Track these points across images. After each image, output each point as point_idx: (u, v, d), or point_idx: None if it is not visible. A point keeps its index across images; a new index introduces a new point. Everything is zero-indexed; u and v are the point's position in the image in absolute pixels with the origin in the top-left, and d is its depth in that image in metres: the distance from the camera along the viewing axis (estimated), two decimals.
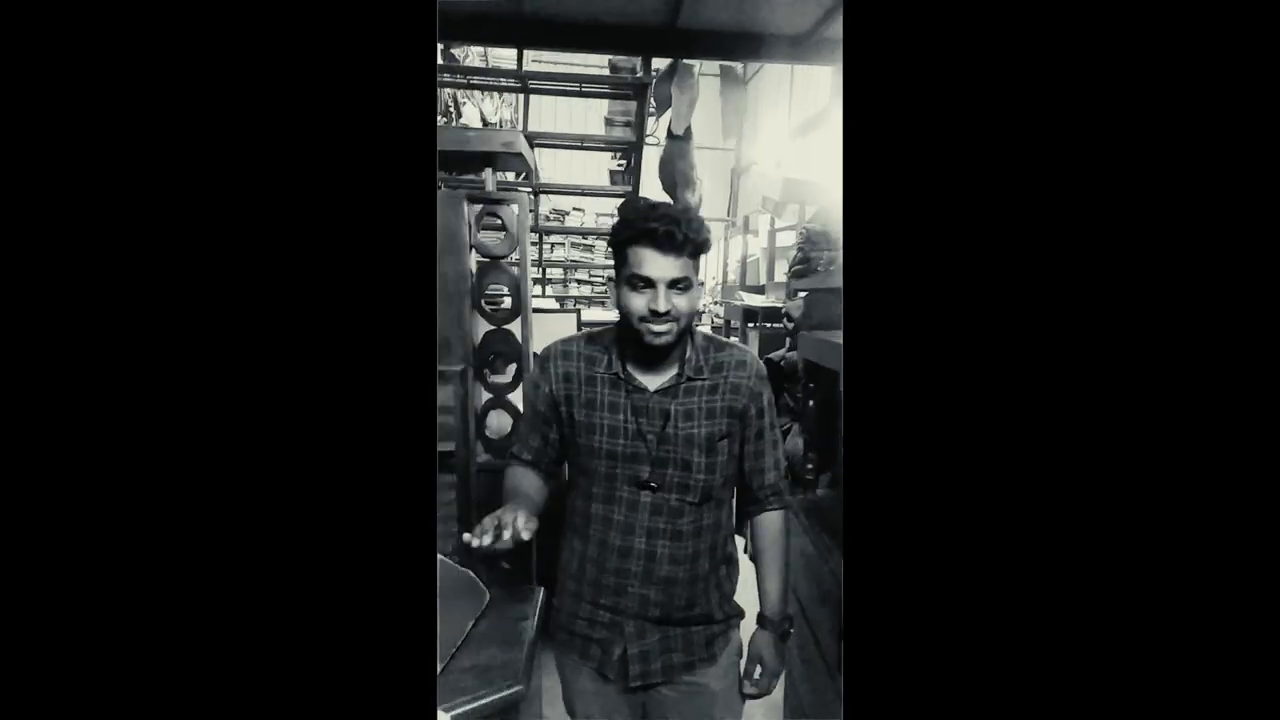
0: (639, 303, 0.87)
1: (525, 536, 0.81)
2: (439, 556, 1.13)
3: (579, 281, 5.89)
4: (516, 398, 1.50)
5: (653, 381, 0.93)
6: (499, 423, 1.54)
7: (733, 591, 1.04)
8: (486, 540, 0.78)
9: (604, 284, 3.56)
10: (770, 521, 1.02)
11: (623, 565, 0.94)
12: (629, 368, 0.94)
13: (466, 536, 0.79)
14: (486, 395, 1.49)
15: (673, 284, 0.86)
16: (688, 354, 0.94)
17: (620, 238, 0.88)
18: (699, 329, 0.99)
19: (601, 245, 4.72)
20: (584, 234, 4.69)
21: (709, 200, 4.81)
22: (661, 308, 0.86)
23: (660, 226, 0.84)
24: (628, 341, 0.93)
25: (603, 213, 4.91)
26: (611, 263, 0.94)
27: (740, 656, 1.03)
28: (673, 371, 0.94)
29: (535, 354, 1.36)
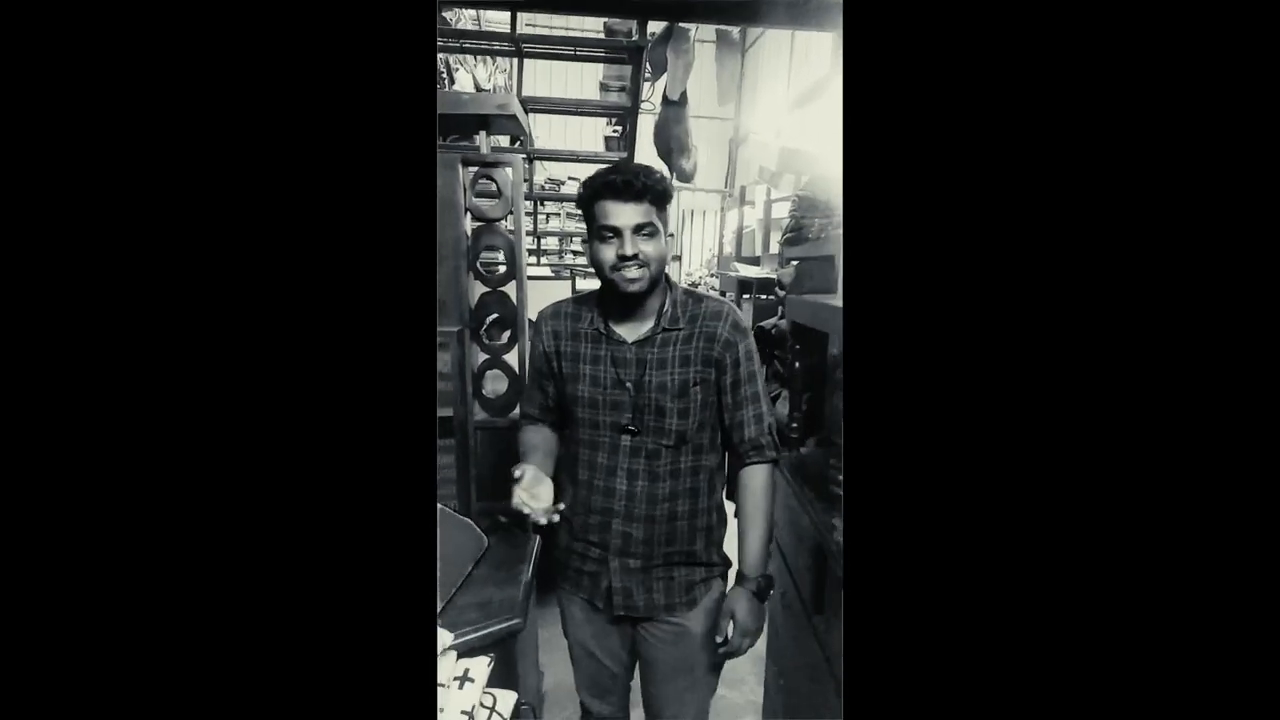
0: (608, 253, 0.93)
1: (543, 521, 0.89)
2: (439, 506, 1.18)
3: (574, 252, 5.87)
4: (512, 359, 1.54)
5: (631, 333, 0.99)
6: (494, 384, 1.58)
7: (720, 540, 1.08)
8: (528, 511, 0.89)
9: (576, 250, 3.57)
10: (751, 476, 1.03)
11: (606, 504, 1.00)
12: (610, 323, 1.00)
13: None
14: (483, 356, 1.52)
15: (637, 229, 0.91)
16: (665, 306, 0.99)
17: (584, 197, 0.95)
18: (681, 286, 1.05)
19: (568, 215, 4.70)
20: (578, 202, 4.66)
21: (707, 171, 4.78)
22: (628, 251, 0.91)
23: (618, 178, 0.90)
24: (609, 298, 0.99)
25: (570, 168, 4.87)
26: None
27: (720, 599, 1.05)
28: (651, 323, 0.99)
29: (530, 320, 1.39)
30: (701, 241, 8.47)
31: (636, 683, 1.14)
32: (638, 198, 0.91)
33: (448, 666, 0.77)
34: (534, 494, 0.89)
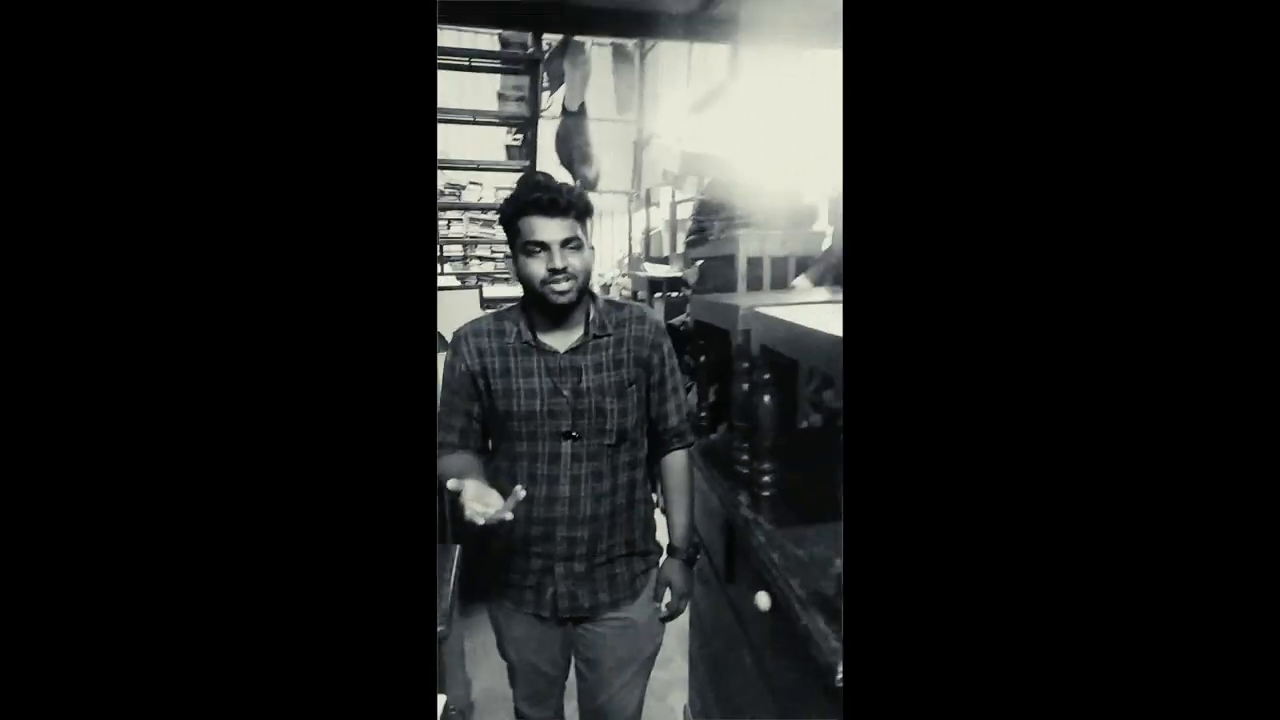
0: (537, 266, 0.96)
1: (507, 517, 0.87)
2: None
3: (480, 258, 5.78)
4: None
5: (562, 343, 1.02)
6: None
7: (654, 526, 1.15)
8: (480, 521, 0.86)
9: (505, 259, 3.58)
10: (675, 460, 1.14)
11: (549, 514, 1.02)
12: (538, 335, 1.02)
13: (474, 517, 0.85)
14: None
15: (564, 243, 0.95)
16: (591, 315, 1.04)
17: (508, 213, 0.97)
18: (600, 295, 1.10)
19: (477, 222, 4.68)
20: (484, 209, 4.61)
21: (612, 174, 4.87)
22: (558, 264, 0.95)
23: (544, 195, 0.94)
24: (533, 310, 1.02)
25: (502, 186, 4.85)
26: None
27: (653, 589, 1.13)
28: (579, 332, 1.03)
29: (442, 337, 1.40)
30: (612, 242, 8.56)
31: (570, 680, 1.18)
32: (564, 213, 0.95)
33: None
34: (485, 501, 0.88)
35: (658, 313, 2.87)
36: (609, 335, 1.04)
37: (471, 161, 2.72)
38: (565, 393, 1.01)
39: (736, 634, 1.12)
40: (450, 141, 2.74)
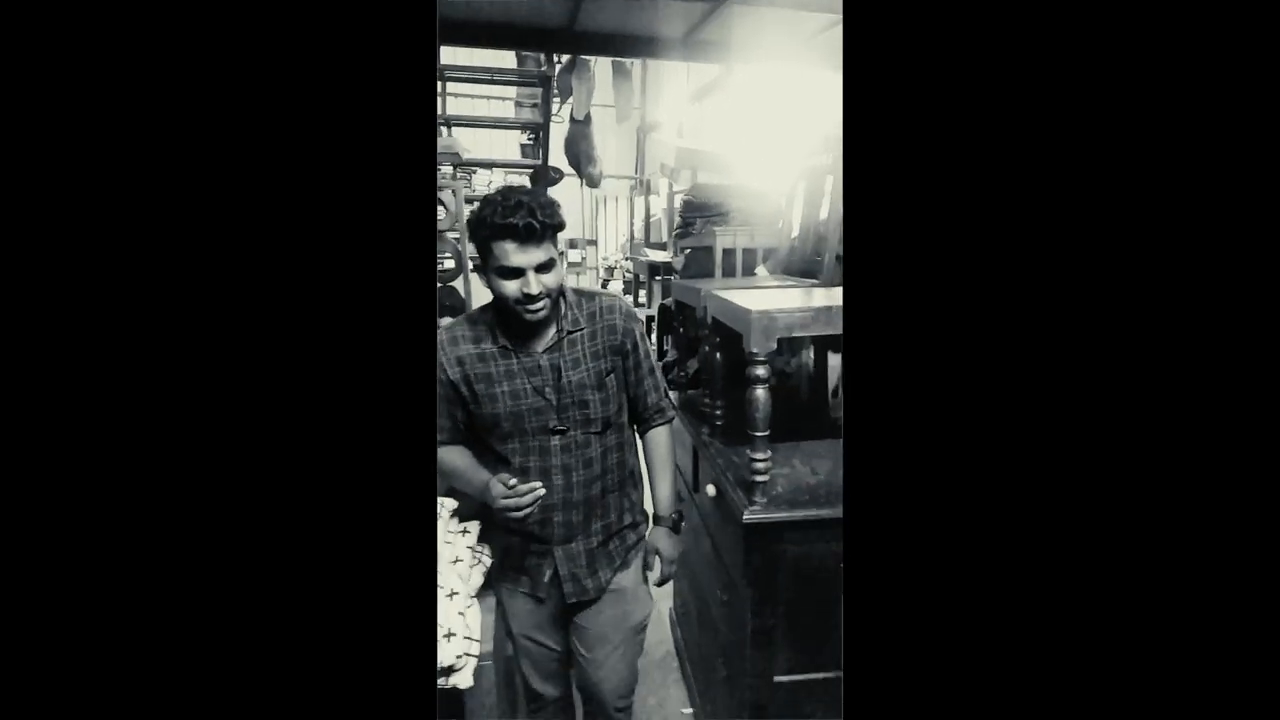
0: (511, 288, 0.95)
1: (542, 491, 0.95)
2: None
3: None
4: None
5: (537, 344, 1.04)
6: None
7: (641, 500, 1.21)
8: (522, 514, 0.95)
9: None
10: (657, 435, 1.19)
11: (545, 501, 1.01)
12: (513, 339, 1.03)
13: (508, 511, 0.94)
14: None
15: (539, 268, 0.94)
16: (563, 312, 1.04)
17: (481, 235, 0.94)
18: (569, 288, 1.09)
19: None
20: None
21: (618, 159, 5.17)
22: (534, 290, 0.94)
23: (519, 221, 0.90)
24: (507, 317, 1.01)
25: (511, 171, 5.21)
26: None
27: (643, 558, 1.20)
28: (552, 331, 1.04)
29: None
30: (616, 226, 8.90)
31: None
32: (538, 240, 0.92)
33: (446, 523, 1.20)
34: (518, 494, 0.94)
35: (656, 295, 3.25)
36: (582, 329, 1.05)
37: (491, 160, 3.10)
38: (547, 392, 1.03)
39: (700, 528, 1.54)
40: (472, 139, 3.11)
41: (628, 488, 1.17)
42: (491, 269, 0.96)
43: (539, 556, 1.10)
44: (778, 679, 1.17)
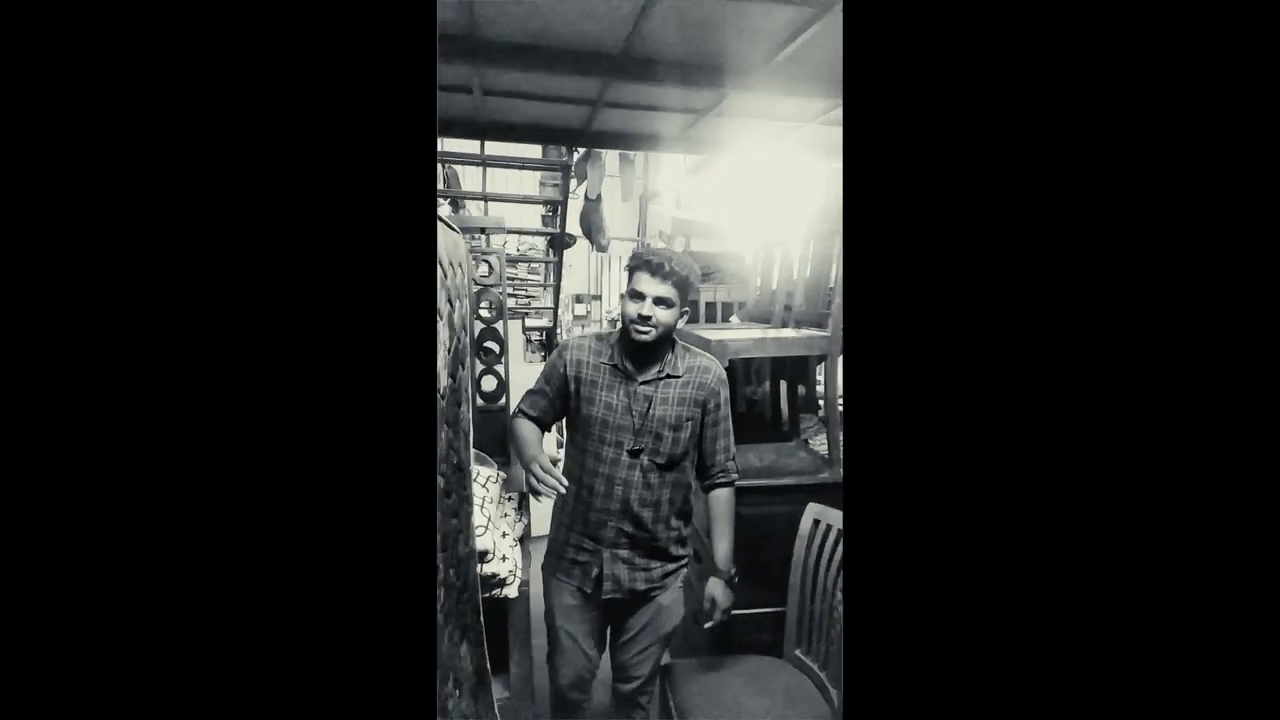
0: (632, 309, 1.19)
1: (562, 491, 1.13)
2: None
3: (513, 295, 6.72)
4: (500, 369, 2.44)
5: (642, 374, 1.24)
6: (487, 385, 2.48)
7: (685, 538, 1.35)
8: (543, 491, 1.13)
9: (527, 297, 4.48)
10: (721, 495, 1.33)
11: (605, 506, 1.23)
12: (625, 362, 1.24)
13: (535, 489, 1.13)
14: (481, 366, 2.43)
15: (657, 300, 1.17)
16: (667, 357, 1.25)
17: (629, 265, 1.24)
18: (680, 344, 1.31)
19: (524, 265, 5.70)
20: (512, 260, 5.63)
21: (623, 223, 5.84)
22: (645, 313, 1.17)
23: (655, 259, 1.19)
24: (625, 341, 1.23)
25: (524, 239, 5.88)
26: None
27: (684, 584, 1.37)
28: (656, 368, 1.24)
29: (526, 341, 2.27)
30: (620, 280, 9.57)
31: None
32: (664, 277, 1.16)
33: (501, 489, 1.65)
34: (547, 483, 1.12)
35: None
36: (679, 377, 1.24)
37: (521, 229, 3.73)
38: (635, 413, 1.21)
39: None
40: (504, 212, 3.73)
41: (675, 522, 1.29)
42: (626, 293, 1.21)
43: (590, 555, 1.27)
44: (735, 612, 1.60)
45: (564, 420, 1.36)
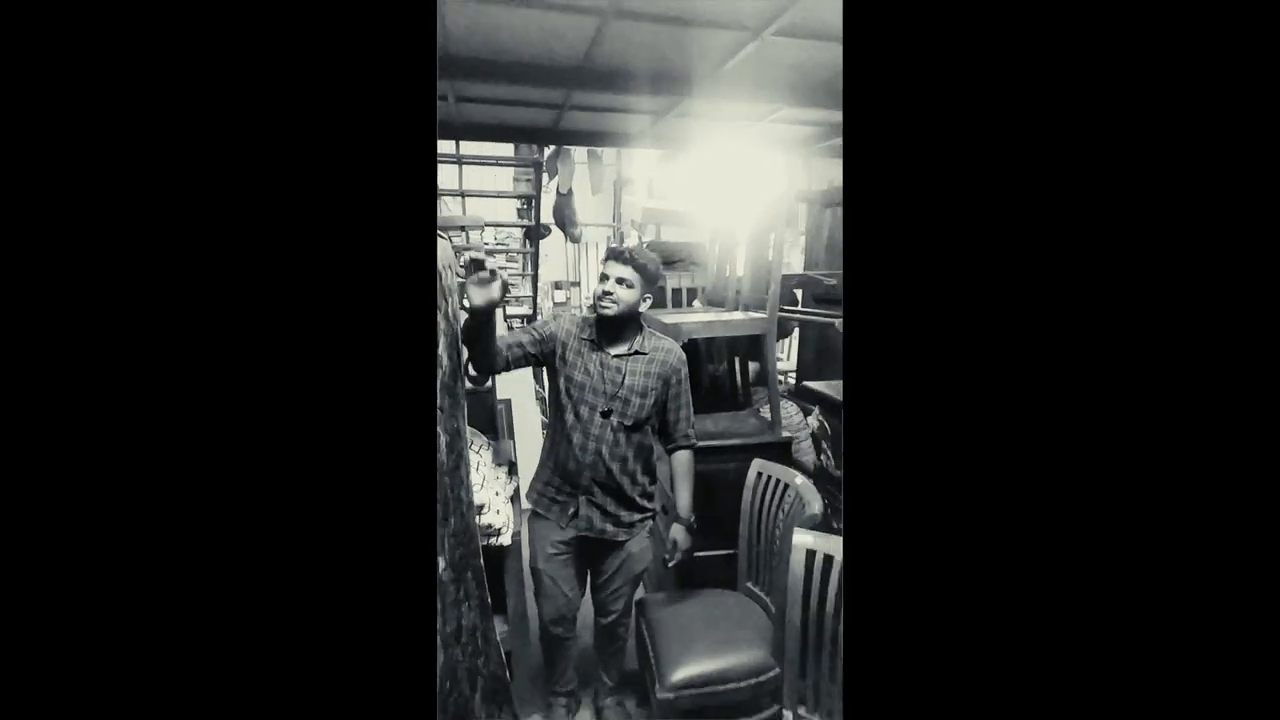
0: (599, 288, 1.45)
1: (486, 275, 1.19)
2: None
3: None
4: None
5: (614, 350, 1.48)
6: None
7: (651, 494, 1.58)
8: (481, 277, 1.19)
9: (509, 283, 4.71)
10: (682, 455, 1.60)
11: (580, 458, 1.47)
12: (600, 338, 1.49)
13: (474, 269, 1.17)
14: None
15: (619, 280, 1.43)
16: (636, 337, 1.50)
17: (605, 256, 1.49)
18: (648, 328, 1.55)
19: (502, 254, 5.92)
20: (492, 252, 5.84)
21: (597, 210, 6.05)
22: (609, 289, 1.43)
23: (618, 249, 1.47)
24: (598, 319, 1.49)
25: (501, 229, 6.07)
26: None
27: (649, 535, 1.60)
28: (626, 345, 1.49)
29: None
30: (595, 265, 9.76)
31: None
32: (625, 262, 1.42)
33: (492, 458, 1.90)
34: (485, 294, 1.21)
35: None
36: (645, 354, 1.49)
37: (498, 221, 3.93)
38: (608, 381, 1.45)
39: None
40: (480, 206, 3.92)
41: (640, 476, 1.53)
42: (599, 277, 1.46)
43: (568, 497, 1.52)
44: (696, 554, 1.87)
45: (546, 390, 1.63)
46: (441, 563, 0.96)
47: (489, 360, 1.41)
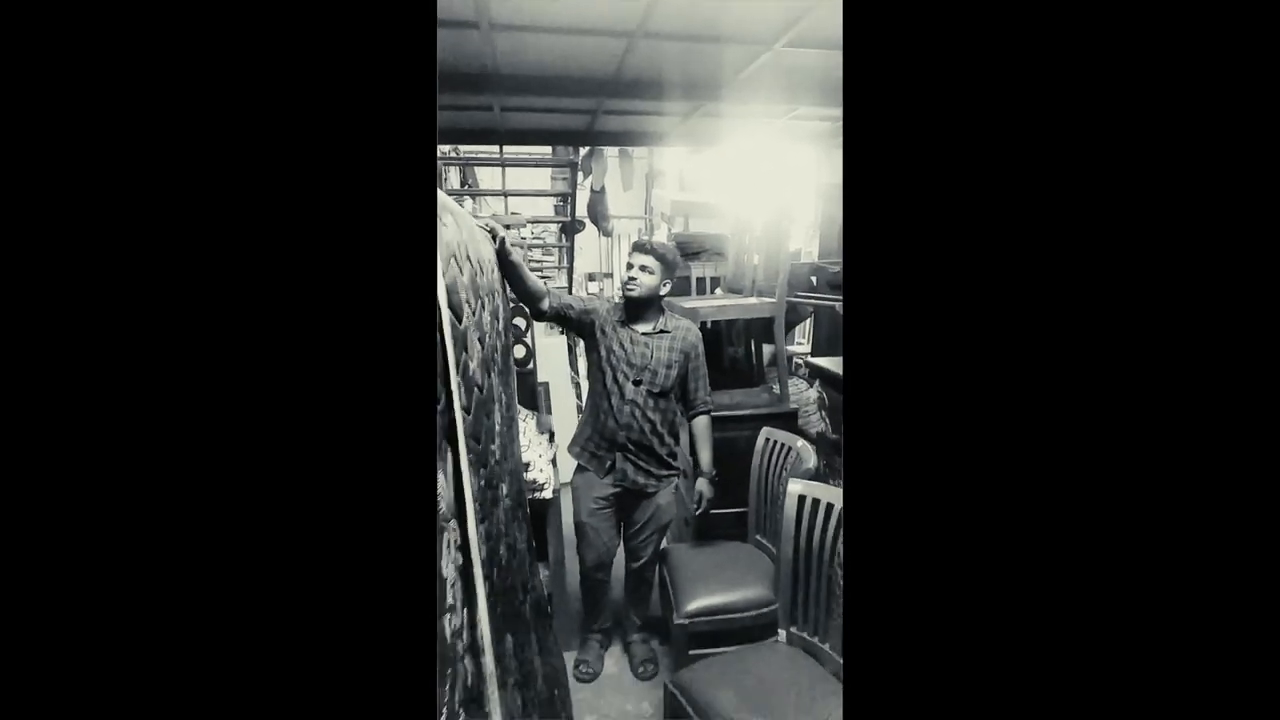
0: (625, 274, 1.79)
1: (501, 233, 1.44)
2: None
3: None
4: (528, 339, 2.95)
5: (642, 328, 1.79)
6: (518, 352, 3.00)
7: (675, 454, 1.85)
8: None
9: (543, 278, 5.01)
10: (701, 420, 1.88)
11: (616, 421, 1.76)
12: (629, 319, 1.80)
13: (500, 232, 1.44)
14: (512, 337, 2.95)
15: (641, 267, 1.75)
16: (660, 319, 1.81)
17: (630, 249, 1.81)
18: (669, 311, 1.85)
19: (539, 249, 6.23)
20: (531, 246, 6.17)
21: (630, 201, 6.32)
22: (633, 275, 1.76)
23: (641, 241, 1.79)
24: (625, 301, 1.81)
25: (537, 224, 6.38)
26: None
27: (676, 490, 1.90)
28: (652, 324, 1.80)
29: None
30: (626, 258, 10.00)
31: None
32: (646, 252, 1.74)
33: (535, 428, 2.19)
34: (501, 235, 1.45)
35: None
36: (668, 333, 1.78)
37: (535, 217, 4.23)
38: (638, 354, 1.74)
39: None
40: (521, 205, 4.23)
41: (667, 438, 1.81)
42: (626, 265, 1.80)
43: (607, 452, 1.81)
44: (713, 512, 2.13)
45: (581, 372, 1.92)
46: (503, 489, 1.24)
47: (530, 301, 1.70)
